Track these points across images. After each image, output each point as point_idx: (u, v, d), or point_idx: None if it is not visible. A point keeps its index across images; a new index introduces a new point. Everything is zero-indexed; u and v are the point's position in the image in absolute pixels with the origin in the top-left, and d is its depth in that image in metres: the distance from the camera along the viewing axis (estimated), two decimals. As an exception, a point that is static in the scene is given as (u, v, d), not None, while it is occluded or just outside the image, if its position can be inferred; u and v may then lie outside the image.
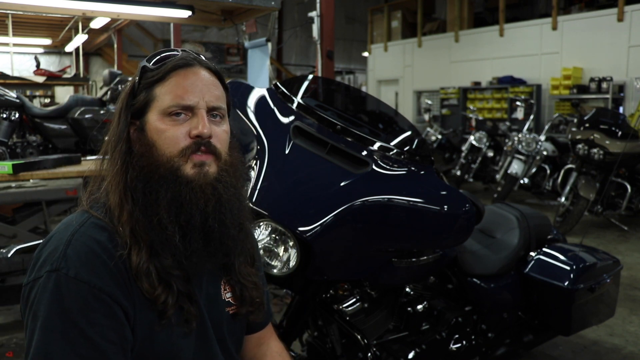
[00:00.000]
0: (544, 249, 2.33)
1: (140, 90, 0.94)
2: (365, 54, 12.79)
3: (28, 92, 8.76)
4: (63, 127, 4.03)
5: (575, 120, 6.07)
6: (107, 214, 0.92)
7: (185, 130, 0.91)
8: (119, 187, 0.91)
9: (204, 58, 0.99)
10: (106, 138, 0.98)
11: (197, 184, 0.91)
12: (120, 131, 0.95)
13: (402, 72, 11.49)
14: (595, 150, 5.13)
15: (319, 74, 4.87)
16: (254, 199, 1.54)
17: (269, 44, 5.67)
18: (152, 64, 0.95)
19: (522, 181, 6.33)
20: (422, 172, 1.69)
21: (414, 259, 1.72)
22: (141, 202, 0.90)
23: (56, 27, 7.42)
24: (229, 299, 1.05)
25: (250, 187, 1.58)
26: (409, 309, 1.93)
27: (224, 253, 0.98)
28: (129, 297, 0.87)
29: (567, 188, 5.43)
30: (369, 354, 1.75)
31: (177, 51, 0.97)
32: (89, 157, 3.43)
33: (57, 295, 0.82)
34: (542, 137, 6.47)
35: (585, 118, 5.43)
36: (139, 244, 0.88)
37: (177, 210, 0.89)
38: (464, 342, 2.05)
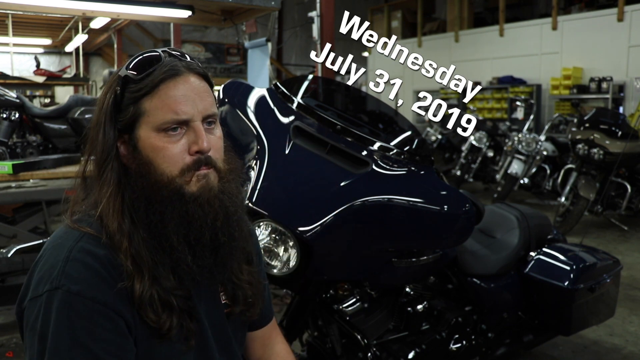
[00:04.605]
0: (544, 249, 2.33)
1: (126, 103, 0.88)
2: (365, 54, 12.79)
3: (28, 92, 8.74)
4: (63, 127, 4.02)
5: (575, 120, 6.07)
6: (104, 233, 0.87)
7: (183, 147, 0.87)
8: (117, 209, 0.87)
9: (188, 58, 0.93)
10: (86, 149, 0.93)
11: (204, 199, 0.88)
12: (108, 148, 0.89)
13: (402, 72, 11.49)
14: (595, 150, 5.13)
15: (319, 74, 4.87)
16: (254, 199, 1.54)
17: (269, 44, 5.67)
18: (136, 74, 0.88)
19: (522, 181, 6.33)
20: (422, 172, 1.69)
21: (414, 259, 1.72)
22: (145, 224, 0.86)
23: (56, 27, 7.41)
24: (225, 301, 1.03)
25: (250, 187, 1.58)
26: (409, 309, 1.93)
27: (231, 263, 0.96)
28: (130, 310, 0.85)
29: (567, 188, 5.43)
30: (369, 354, 1.75)
31: (158, 53, 0.91)
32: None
33: (63, 313, 0.81)
34: (542, 137, 6.47)
35: (585, 118, 5.43)
36: (141, 272, 0.85)
37: (185, 229, 0.86)
38: (464, 342, 2.05)
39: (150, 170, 0.87)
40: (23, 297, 0.87)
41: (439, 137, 8.31)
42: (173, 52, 0.92)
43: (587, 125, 5.30)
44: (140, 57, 0.91)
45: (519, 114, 8.81)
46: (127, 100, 0.88)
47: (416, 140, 1.83)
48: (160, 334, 0.87)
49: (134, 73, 0.88)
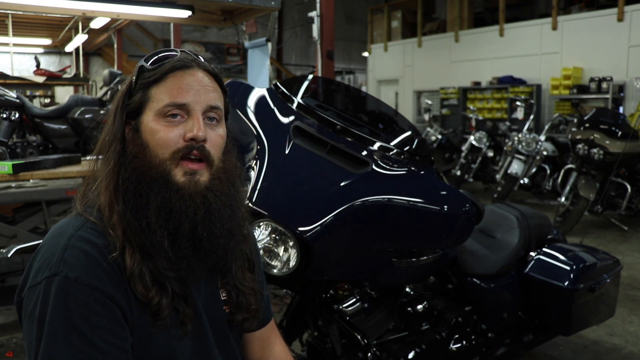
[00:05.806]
0: (544, 249, 2.33)
1: (137, 90, 0.93)
2: (365, 54, 12.79)
3: (28, 92, 8.74)
4: (63, 127, 4.03)
5: (575, 120, 6.07)
6: (96, 207, 0.91)
7: (179, 133, 0.90)
8: (110, 187, 0.90)
9: (202, 60, 0.97)
10: (100, 137, 0.97)
11: (187, 192, 0.89)
12: (115, 131, 0.93)
13: (402, 72, 11.49)
14: (595, 150, 5.13)
15: (319, 74, 4.88)
16: (254, 199, 1.55)
17: (269, 44, 5.67)
18: (150, 64, 0.94)
19: (522, 181, 6.33)
20: (422, 172, 1.69)
21: (414, 259, 1.72)
22: (132, 204, 0.89)
23: (56, 27, 7.42)
24: (225, 297, 1.04)
25: (250, 187, 1.58)
26: (409, 309, 1.93)
27: (214, 260, 0.96)
28: (126, 300, 0.86)
29: (567, 188, 5.43)
30: (369, 354, 1.75)
31: (176, 52, 0.96)
32: (88, 157, 3.43)
33: (60, 299, 0.82)
34: (542, 137, 6.47)
35: (585, 118, 5.43)
36: (132, 246, 0.88)
37: (166, 215, 0.88)
38: (464, 342, 2.05)
39: (145, 153, 0.90)
40: (22, 287, 0.88)
41: (439, 137, 8.32)
42: (189, 52, 0.98)
43: (587, 125, 5.30)
44: (159, 52, 0.97)
45: (519, 114, 8.81)
46: (138, 87, 0.94)
47: (416, 140, 1.83)
48: (155, 319, 0.88)
49: (148, 64, 0.94)
